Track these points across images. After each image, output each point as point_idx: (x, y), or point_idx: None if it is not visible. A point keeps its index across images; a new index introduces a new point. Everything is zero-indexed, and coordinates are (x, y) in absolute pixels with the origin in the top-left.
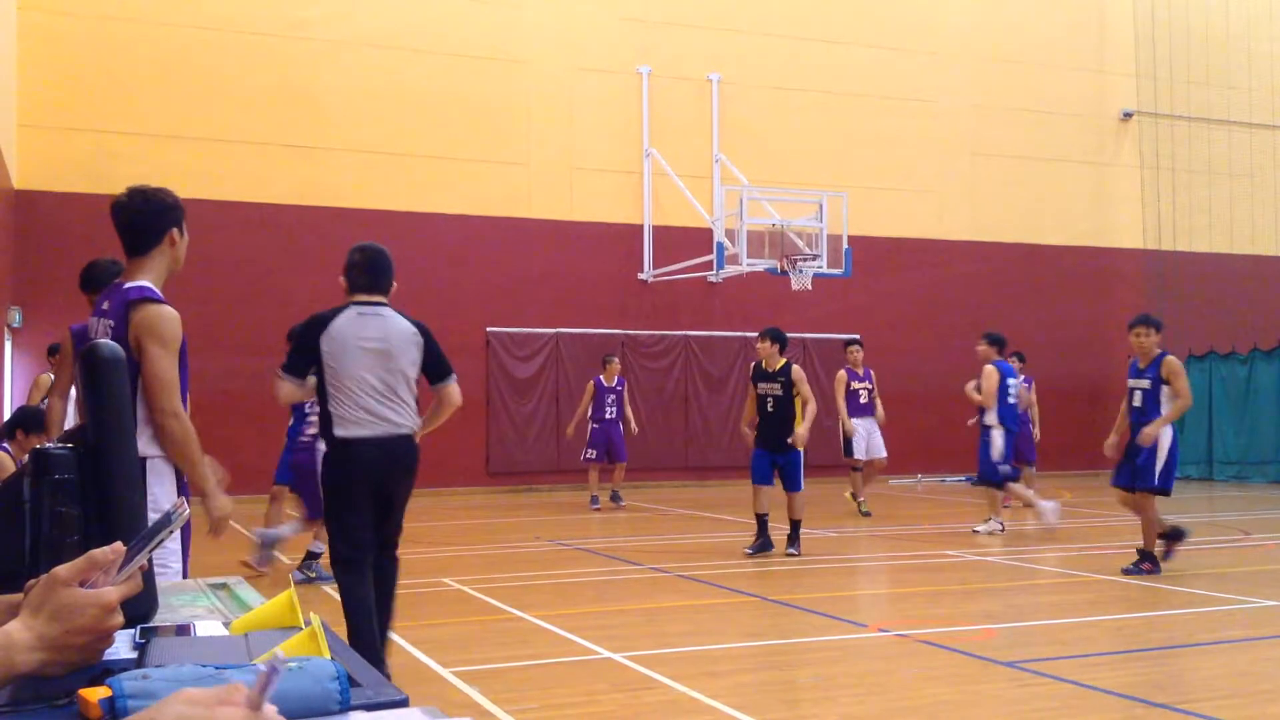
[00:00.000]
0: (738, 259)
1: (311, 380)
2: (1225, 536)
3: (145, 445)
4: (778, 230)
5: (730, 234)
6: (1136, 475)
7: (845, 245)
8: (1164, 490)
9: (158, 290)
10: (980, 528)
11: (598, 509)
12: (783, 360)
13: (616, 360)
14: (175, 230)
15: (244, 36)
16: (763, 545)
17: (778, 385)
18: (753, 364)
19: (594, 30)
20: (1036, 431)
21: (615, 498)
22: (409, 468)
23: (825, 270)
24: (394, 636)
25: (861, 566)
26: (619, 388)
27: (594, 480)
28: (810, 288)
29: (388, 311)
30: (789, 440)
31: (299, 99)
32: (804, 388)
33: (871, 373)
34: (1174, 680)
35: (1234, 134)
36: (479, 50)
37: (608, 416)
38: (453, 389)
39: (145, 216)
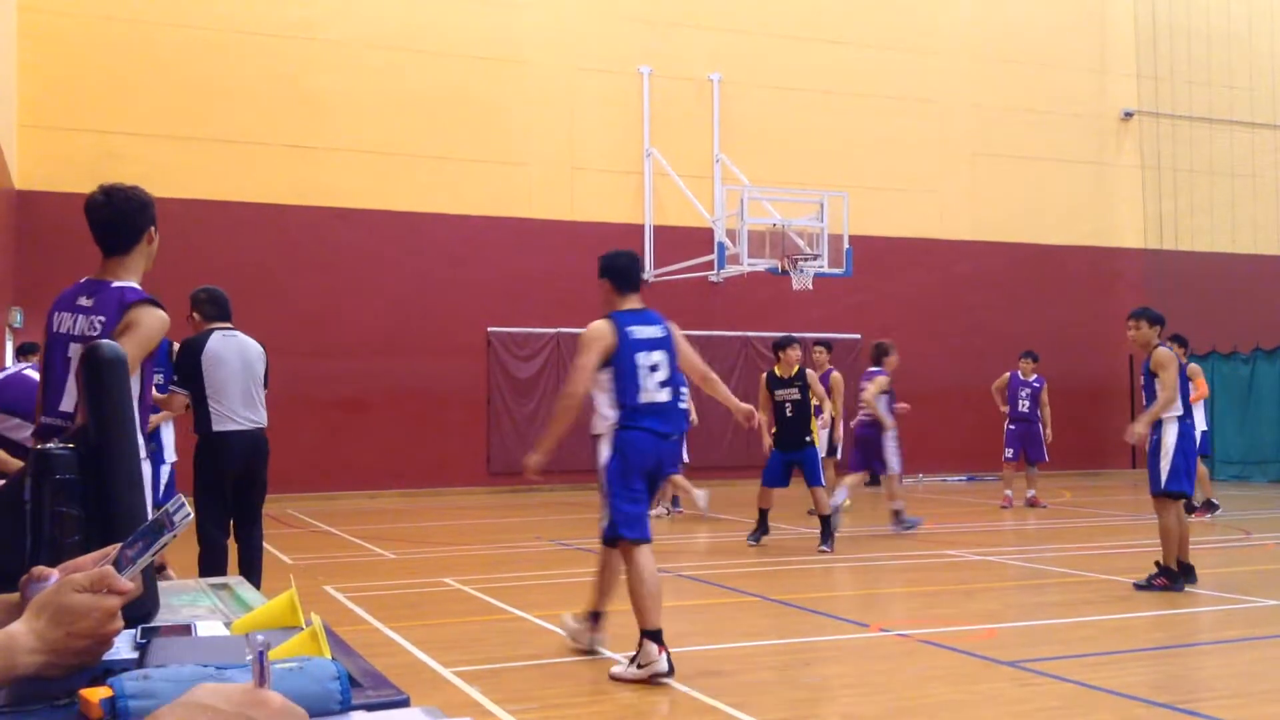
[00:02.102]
0: (739, 259)
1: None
2: (1226, 536)
3: None
4: (779, 230)
5: (731, 234)
6: (1151, 479)
7: (846, 245)
8: (1170, 494)
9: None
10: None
11: (658, 515)
12: (796, 366)
13: None
14: (152, 228)
15: (245, 37)
16: (760, 534)
17: (795, 390)
18: (764, 375)
19: (595, 30)
20: (1048, 432)
21: (675, 503)
22: (265, 452)
23: (826, 270)
24: (395, 636)
25: (862, 566)
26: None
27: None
28: (811, 288)
29: (240, 334)
30: (806, 439)
31: (300, 99)
32: (819, 388)
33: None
34: (1175, 680)
35: (1235, 133)
36: (480, 50)
37: None
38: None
39: (127, 215)
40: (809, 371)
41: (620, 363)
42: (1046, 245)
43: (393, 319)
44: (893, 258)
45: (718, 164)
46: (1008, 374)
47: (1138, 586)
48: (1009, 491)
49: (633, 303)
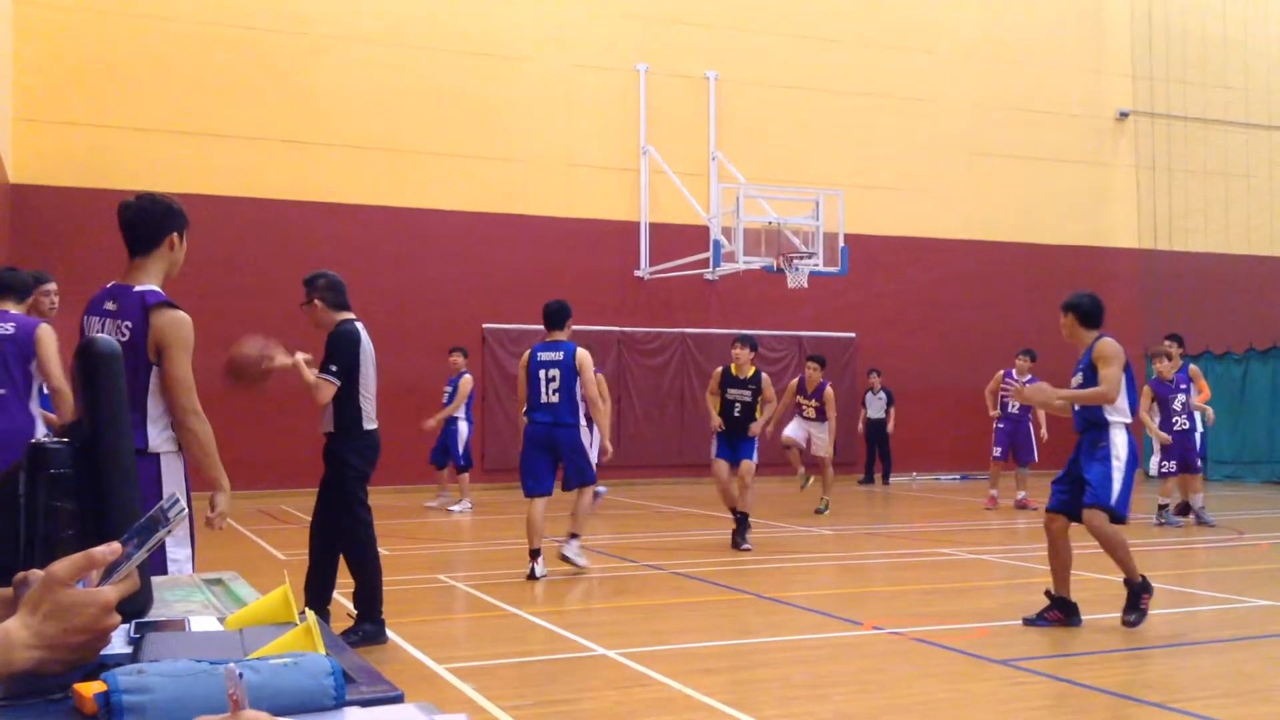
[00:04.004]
0: (734, 257)
1: None
2: (1219, 536)
3: (161, 442)
4: (774, 228)
5: (727, 231)
6: (1086, 491)
7: (841, 243)
8: (1120, 516)
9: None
10: (454, 508)
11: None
12: (752, 369)
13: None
14: (175, 235)
15: (241, 31)
16: (744, 534)
17: (748, 392)
18: (720, 370)
19: (591, 27)
20: (1042, 433)
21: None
22: None
23: (821, 268)
24: (388, 633)
25: (855, 564)
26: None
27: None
28: (806, 286)
29: None
30: (748, 431)
31: (296, 94)
32: (770, 391)
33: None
34: (1166, 679)
35: (1230, 134)
36: (476, 46)
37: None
38: None
39: (151, 217)
40: (764, 376)
41: (530, 375)
42: (1041, 245)
43: (387, 315)
44: (888, 256)
45: (714, 162)
46: (1000, 373)
47: (1026, 621)
48: (994, 491)
49: (555, 336)
